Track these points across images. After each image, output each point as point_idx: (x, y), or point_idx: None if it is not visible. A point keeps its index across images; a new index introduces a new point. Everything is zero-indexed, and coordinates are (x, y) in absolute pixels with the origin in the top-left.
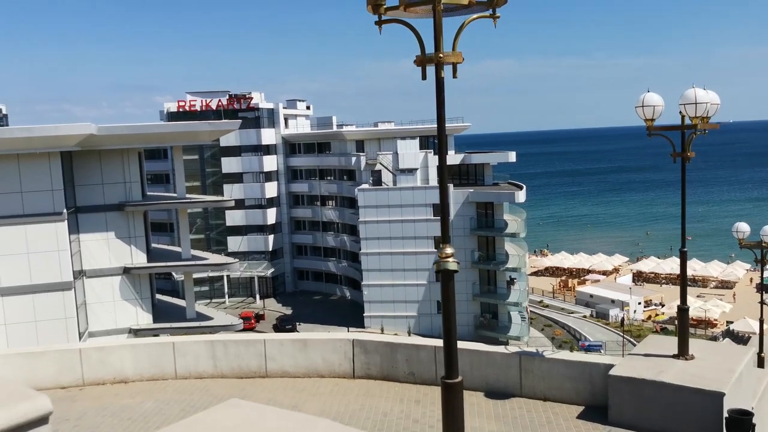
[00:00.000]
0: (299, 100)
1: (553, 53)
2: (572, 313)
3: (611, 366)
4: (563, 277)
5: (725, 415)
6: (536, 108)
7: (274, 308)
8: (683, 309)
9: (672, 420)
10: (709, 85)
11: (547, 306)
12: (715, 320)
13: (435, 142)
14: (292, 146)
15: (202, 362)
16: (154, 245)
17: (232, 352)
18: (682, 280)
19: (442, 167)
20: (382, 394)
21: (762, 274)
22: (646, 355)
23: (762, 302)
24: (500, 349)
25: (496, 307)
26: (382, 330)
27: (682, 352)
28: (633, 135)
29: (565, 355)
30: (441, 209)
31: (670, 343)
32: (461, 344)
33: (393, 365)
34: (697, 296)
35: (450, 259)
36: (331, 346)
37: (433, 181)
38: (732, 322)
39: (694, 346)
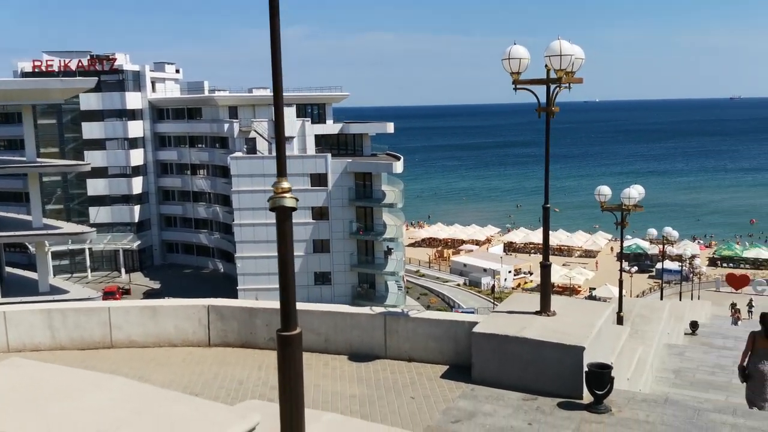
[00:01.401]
0: (168, 63)
1: (433, 29)
2: (447, 281)
3: (475, 324)
4: (439, 248)
5: (585, 368)
6: (418, 83)
7: (141, 282)
8: (545, 265)
9: (534, 375)
10: (593, 63)
11: (423, 275)
12: (579, 287)
13: (312, 110)
14: (159, 111)
15: (38, 333)
16: (3, 214)
17: (71, 322)
18: (545, 237)
19: (276, 89)
20: (239, 361)
21: (622, 235)
22: (509, 313)
23: (621, 267)
24: (365, 310)
25: (373, 277)
26: None
27: (544, 309)
28: (512, 112)
29: (430, 314)
30: (276, 133)
31: (533, 301)
32: (326, 307)
33: (252, 331)
34: (563, 264)
35: (287, 195)
36: (184, 312)
37: (311, 149)
38: (594, 289)
39: (556, 303)
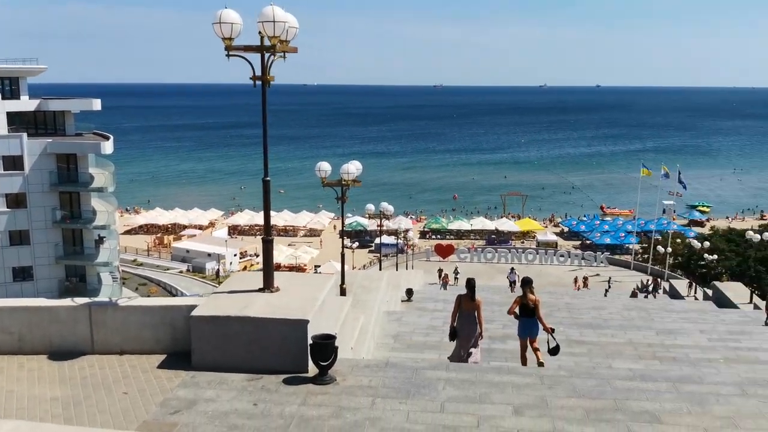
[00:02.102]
0: None
1: (146, 2)
2: (168, 269)
3: (194, 307)
4: (158, 234)
5: (309, 341)
6: (132, 59)
7: None
8: (267, 240)
9: (259, 354)
10: (308, 48)
11: (141, 264)
12: (305, 265)
13: (3, 85)
14: None
15: None
16: None
17: None
18: (266, 211)
19: None
20: None
21: (342, 209)
22: (231, 292)
23: (343, 240)
24: (66, 302)
25: (83, 269)
26: None
27: (267, 285)
28: (240, 92)
29: (143, 301)
30: None
31: (256, 278)
32: (16, 302)
33: None
34: (289, 245)
35: None
36: None
37: (3, 129)
38: (319, 266)
39: (280, 279)
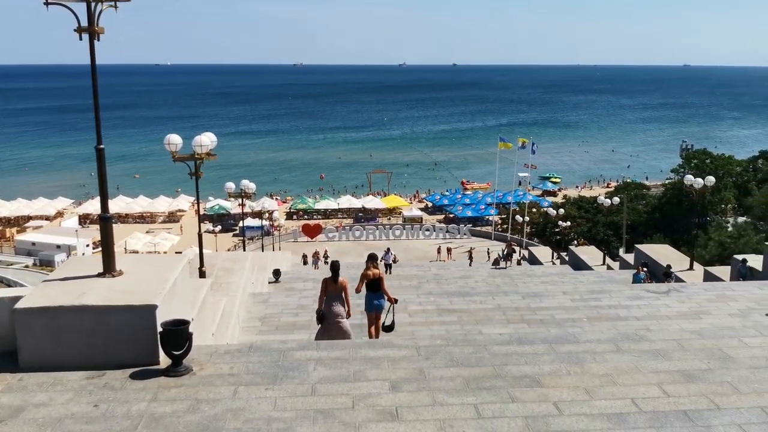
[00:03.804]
0: None
1: None
2: (12, 264)
3: (18, 299)
4: None
5: (159, 328)
6: None
7: None
8: (105, 218)
9: (100, 347)
10: (158, 25)
11: None
12: (165, 253)
13: None
14: None
15: None
16: None
17: None
18: (101, 184)
19: None
20: None
21: (197, 186)
22: (65, 279)
23: (200, 219)
24: None
25: None
26: None
27: (108, 269)
28: (105, 72)
29: None
30: None
31: (95, 262)
32: None
33: None
34: (147, 232)
35: None
36: None
37: None
38: (180, 252)
39: (125, 261)
